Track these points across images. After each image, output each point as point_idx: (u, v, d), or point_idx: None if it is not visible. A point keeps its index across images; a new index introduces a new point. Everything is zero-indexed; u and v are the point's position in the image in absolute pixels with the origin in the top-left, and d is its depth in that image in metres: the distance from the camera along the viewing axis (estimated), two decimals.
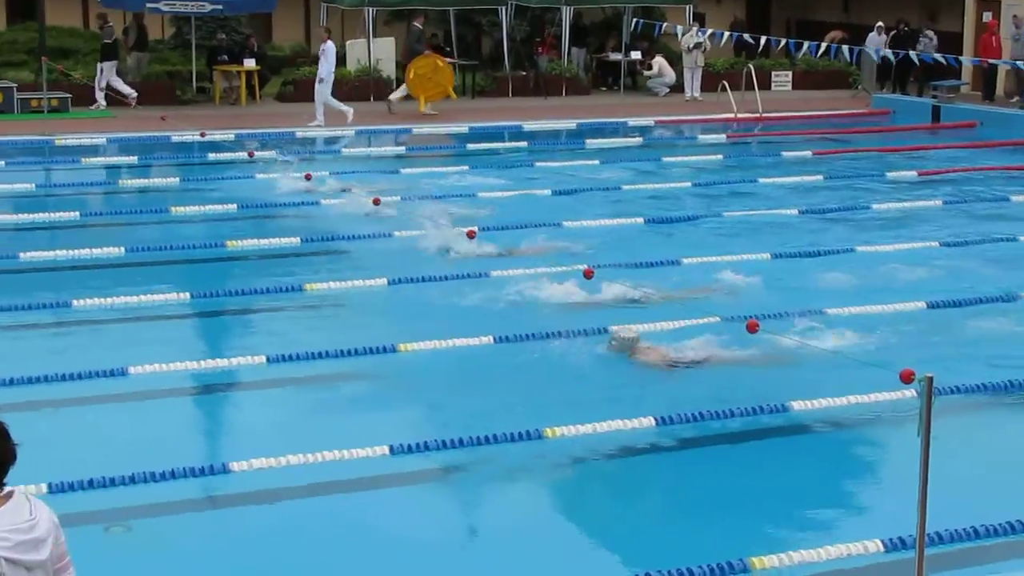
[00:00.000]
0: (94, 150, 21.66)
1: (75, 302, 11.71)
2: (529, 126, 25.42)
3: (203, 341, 10.89)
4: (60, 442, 8.45)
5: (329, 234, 14.81)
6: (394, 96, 27.20)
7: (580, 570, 6.94)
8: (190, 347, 10.50)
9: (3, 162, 20.01)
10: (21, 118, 24.65)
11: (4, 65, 27.50)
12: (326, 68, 24.75)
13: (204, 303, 11.87)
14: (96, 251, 13.88)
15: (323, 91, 24.76)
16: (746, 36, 29.35)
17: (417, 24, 27.91)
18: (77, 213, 15.99)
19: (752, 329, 7.83)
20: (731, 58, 32.31)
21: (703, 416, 8.96)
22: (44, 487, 7.49)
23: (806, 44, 27.28)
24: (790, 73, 32.36)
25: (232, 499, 7.73)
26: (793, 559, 6.86)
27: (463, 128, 24.87)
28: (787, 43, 28.18)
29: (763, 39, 28.33)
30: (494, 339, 10.69)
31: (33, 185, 18.09)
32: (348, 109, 24.74)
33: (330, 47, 24.91)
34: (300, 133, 23.85)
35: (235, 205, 16.63)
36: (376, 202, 15.16)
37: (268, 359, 10.05)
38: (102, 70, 26.21)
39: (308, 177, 17.62)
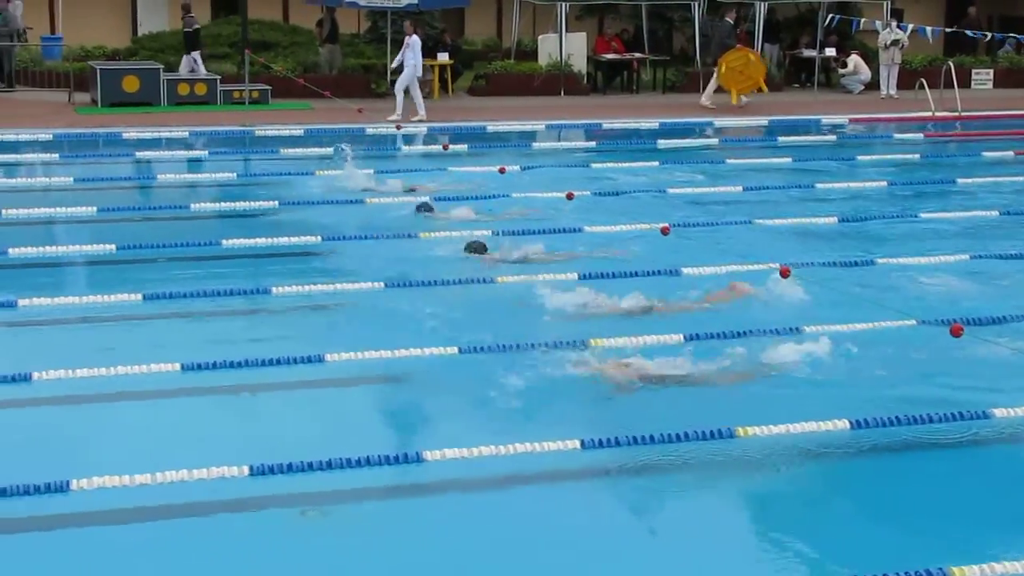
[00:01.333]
0: (292, 141, 22.17)
1: (274, 289, 11.97)
2: (720, 122, 25.14)
3: (396, 330, 10.98)
4: (258, 425, 8.65)
5: (524, 228, 14.83)
6: (707, 91, 27.09)
7: None
8: (383, 336, 10.58)
9: (207, 151, 20.65)
10: (223, 109, 25.40)
11: (209, 58, 28.36)
12: (411, 61, 24.51)
13: (394, 293, 11.99)
14: (293, 239, 14.17)
15: (404, 81, 24.45)
16: (955, 31, 28.46)
17: (728, 19, 27.81)
18: (275, 202, 16.36)
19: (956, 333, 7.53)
20: (930, 55, 31.40)
21: (899, 421, 8.70)
22: (246, 469, 7.68)
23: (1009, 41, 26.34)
24: (991, 71, 31.30)
25: (424, 488, 7.79)
26: (995, 570, 6.61)
27: (653, 124, 24.73)
28: (992, 38, 27.21)
29: (970, 33, 27.45)
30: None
31: (234, 174, 18.61)
32: (422, 111, 24.41)
33: (415, 41, 24.69)
34: (491, 127, 24.01)
35: (427, 198, 16.80)
36: (570, 196, 15.12)
37: (459, 350, 10.12)
38: (190, 59, 26.84)
39: (502, 171, 17.71)
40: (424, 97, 28.08)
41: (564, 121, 24.93)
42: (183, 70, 26.96)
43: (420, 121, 24.09)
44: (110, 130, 22.46)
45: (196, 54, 27.23)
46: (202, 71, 26.91)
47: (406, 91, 24.38)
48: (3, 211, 15.49)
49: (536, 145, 22.57)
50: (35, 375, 9.35)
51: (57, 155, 20.16)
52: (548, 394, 9.19)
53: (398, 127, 23.06)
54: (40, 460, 7.95)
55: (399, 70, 24.78)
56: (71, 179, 17.75)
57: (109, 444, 8.30)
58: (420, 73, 24.77)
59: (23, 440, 8.41)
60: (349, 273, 12.72)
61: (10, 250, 13.42)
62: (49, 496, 7.37)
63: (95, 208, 15.86)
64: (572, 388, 9.34)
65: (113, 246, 13.74)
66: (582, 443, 8.21)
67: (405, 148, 21.62)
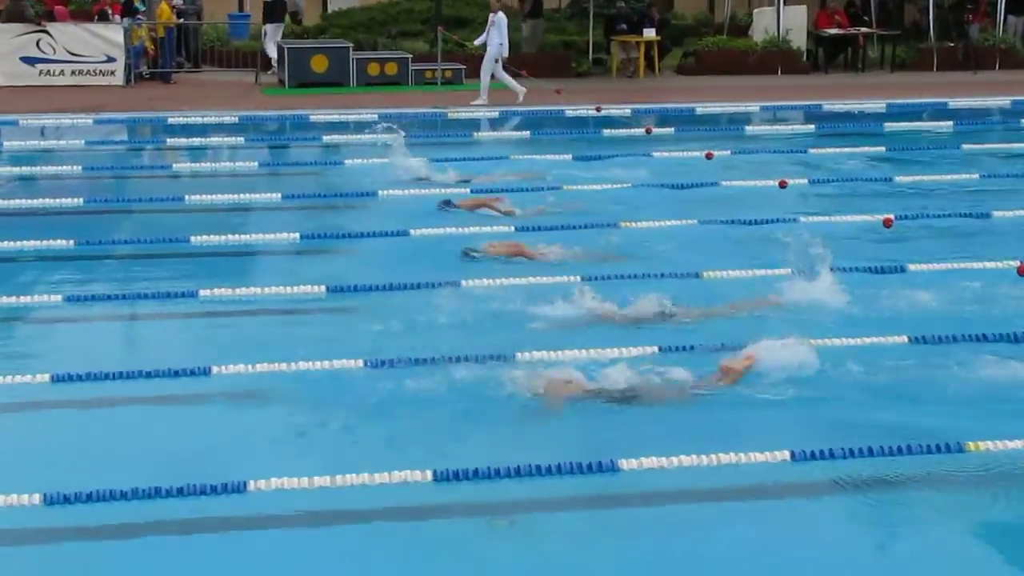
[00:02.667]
0: (485, 124, 22.39)
1: (463, 283, 12.08)
2: (956, 103, 24.43)
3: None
4: (445, 430, 8.73)
5: (738, 217, 14.65)
6: None
7: None
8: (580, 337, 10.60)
9: (401, 134, 21.01)
10: (415, 89, 25.82)
11: (401, 35, 28.84)
12: (496, 41, 24.26)
13: (597, 284, 11.98)
14: (485, 229, 14.30)
15: (489, 66, 24.22)
16: None
17: None
18: (466, 189, 16.53)
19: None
20: None
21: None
22: (429, 474, 7.78)
23: None
24: None
25: (619, 499, 7.78)
26: None
27: (880, 105, 24.18)
28: None
29: None
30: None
31: (425, 159, 18.85)
32: (520, 88, 24.13)
33: (501, 18, 24.40)
34: (700, 109, 23.83)
35: (629, 183, 16.78)
36: (783, 185, 14.92)
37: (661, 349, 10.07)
38: (266, 32, 27.19)
39: (709, 156, 17.56)
40: (628, 76, 28.04)
41: (780, 103, 24.56)
42: (267, 43, 27.62)
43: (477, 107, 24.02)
44: (297, 112, 23.03)
45: (271, 27, 27.75)
46: (270, 48, 27.41)
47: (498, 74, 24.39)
48: (187, 197, 16.02)
49: (749, 129, 22.31)
50: (215, 369, 9.63)
51: (242, 139, 20.76)
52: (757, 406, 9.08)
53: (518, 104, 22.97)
54: (218, 458, 8.20)
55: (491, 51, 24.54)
56: (256, 164, 18.26)
57: (284, 444, 8.50)
58: (505, 54, 24.56)
59: (200, 437, 8.67)
60: (543, 264, 12.76)
61: (192, 238, 13.86)
62: (226, 496, 7.58)
63: (279, 195, 16.27)
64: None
65: (296, 235, 14.08)
66: (792, 455, 8.09)
67: (606, 132, 21.62)
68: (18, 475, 7.84)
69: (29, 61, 26.16)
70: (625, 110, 23.35)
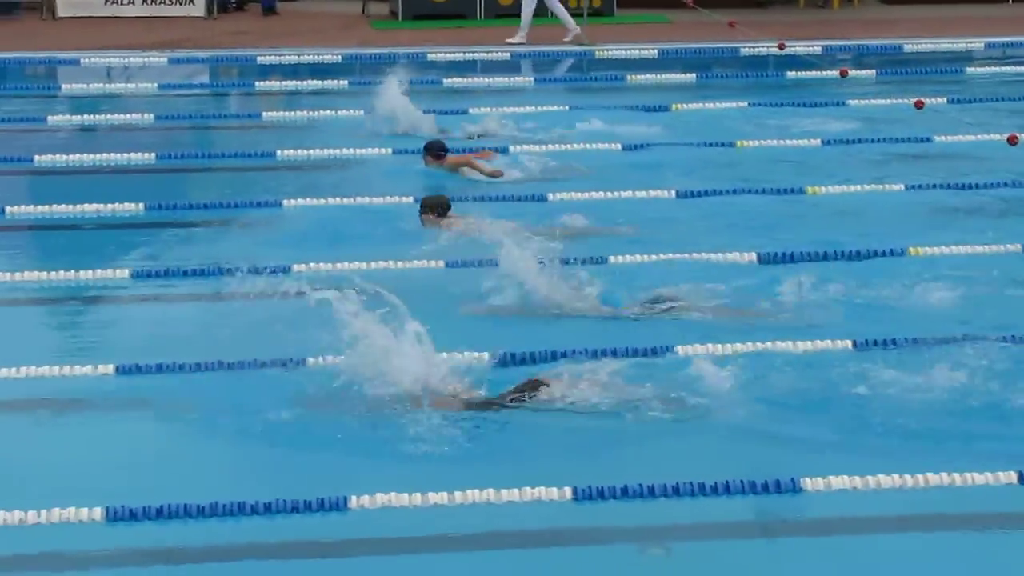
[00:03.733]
0: (641, 65, 22.29)
1: (612, 258, 12.09)
2: None
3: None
4: (588, 441, 8.77)
5: (955, 181, 14.47)
6: None
7: None
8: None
9: (531, 78, 21.02)
10: (555, 22, 25.79)
11: None
12: None
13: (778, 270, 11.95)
14: (642, 194, 14.29)
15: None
16: None
17: None
18: (618, 145, 16.51)
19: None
20: None
21: None
22: (568, 492, 7.81)
23: None
24: None
25: (805, 525, 7.76)
26: None
27: None
28: None
29: None
30: None
31: (567, 106, 18.85)
32: (574, 27, 23.86)
33: None
34: (909, 46, 23.49)
35: (818, 140, 16.62)
36: (1012, 140, 14.65)
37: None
38: None
39: (919, 105, 17.32)
40: (820, 5, 27.73)
41: (1012, 38, 24.10)
42: None
43: (578, 41, 23.73)
44: (412, 50, 23.16)
45: None
46: None
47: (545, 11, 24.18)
48: (278, 152, 16.21)
49: (969, 70, 21.94)
50: (310, 361, 9.78)
51: (346, 81, 20.93)
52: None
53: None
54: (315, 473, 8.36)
55: None
56: (361, 112, 18.40)
57: (390, 456, 8.62)
58: None
59: (289, 450, 8.82)
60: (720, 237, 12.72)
61: (285, 200, 14.05)
62: (322, 515, 7.70)
63: (390, 149, 16.39)
64: None
65: (409, 199, 14.21)
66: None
67: (790, 74, 21.40)
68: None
69: None
70: (815, 47, 23.09)
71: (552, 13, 23.85)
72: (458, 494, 7.82)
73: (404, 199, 14.12)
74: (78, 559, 7.51)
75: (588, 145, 16.48)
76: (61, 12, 26.32)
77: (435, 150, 15.35)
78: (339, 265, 11.97)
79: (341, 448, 8.70)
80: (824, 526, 7.83)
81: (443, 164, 15.35)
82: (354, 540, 7.66)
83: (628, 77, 21.24)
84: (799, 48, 22.89)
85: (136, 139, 17.14)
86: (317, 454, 8.63)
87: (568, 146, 16.53)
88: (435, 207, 13.10)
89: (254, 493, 7.84)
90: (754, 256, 12.23)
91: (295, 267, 11.81)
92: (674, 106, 18.73)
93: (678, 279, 11.38)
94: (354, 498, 7.79)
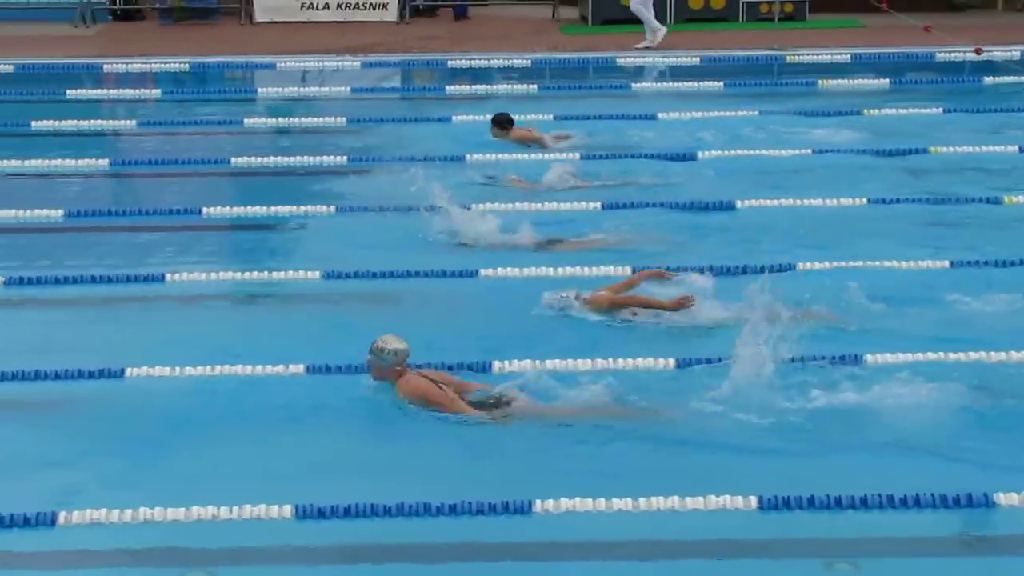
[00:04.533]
0: (834, 69, 22.02)
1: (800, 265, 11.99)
2: None
3: None
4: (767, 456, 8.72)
5: None
6: None
7: None
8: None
9: (720, 83, 20.85)
10: (747, 27, 25.61)
11: None
12: None
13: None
14: (832, 201, 14.14)
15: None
16: None
17: None
18: (808, 149, 16.35)
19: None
20: None
21: None
22: (753, 500, 7.75)
23: None
24: None
25: (997, 541, 7.62)
26: None
27: None
28: None
29: None
30: None
31: (756, 111, 18.66)
32: (660, 28, 23.33)
33: None
34: None
35: (1015, 147, 16.30)
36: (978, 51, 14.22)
37: None
38: None
39: (978, 52, 16.87)
40: (1019, 9, 27.16)
41: None
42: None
43: (646, 48, 23.40)
44: (600, 55, 23.16)
45: None
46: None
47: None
48: (467, 156, 16.30)
49: None
50: (496, 365, 9.85)
51: (535, 86, 21.00)
52: None
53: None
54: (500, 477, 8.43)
55: None
56: (551, 116, 18.44)
57: (575, 461, 8.63)
58: None
59: (477, 452, 8.85)
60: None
61: (472, 204, 14.12)
62: (507, 518, 7.74)
63: (577, 155, 16.39)
64: None
65: (598, 203, 14.19)
66: None
67: (988, 80, 20.99)
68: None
69: None
70: (1014, 52, 22.61)
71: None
72: (642, 500, 7.80)
73: None
74: (268, 554, 7.64)
75: (779, 151, 16.32)
76: (258, 17, 26.78)
77: (502, 123, 16.75)
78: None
79: (525, 452, 8.74)
80: (1017, 543, 7.66)
81: (509, 136, 16.69)
82: (538, 543, 7.68)
83: (820, 82, 21.01)
84: (997, 53, 22.43)
85: (328, 142, 17.36)
86: (504, 458, 8.69)
87: (758, 151, 16.39)
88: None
89: (438, 494, 7.92)
90: (947, 263, 12.07)
91: (482, 271, 11.90)
92: (866, 111, 18.49)
93: (873, 286, 11.26)
94: (539, 502, 7.81)
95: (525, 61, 22.78)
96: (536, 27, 26.33)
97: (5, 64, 22.10)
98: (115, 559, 7.66)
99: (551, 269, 12.16)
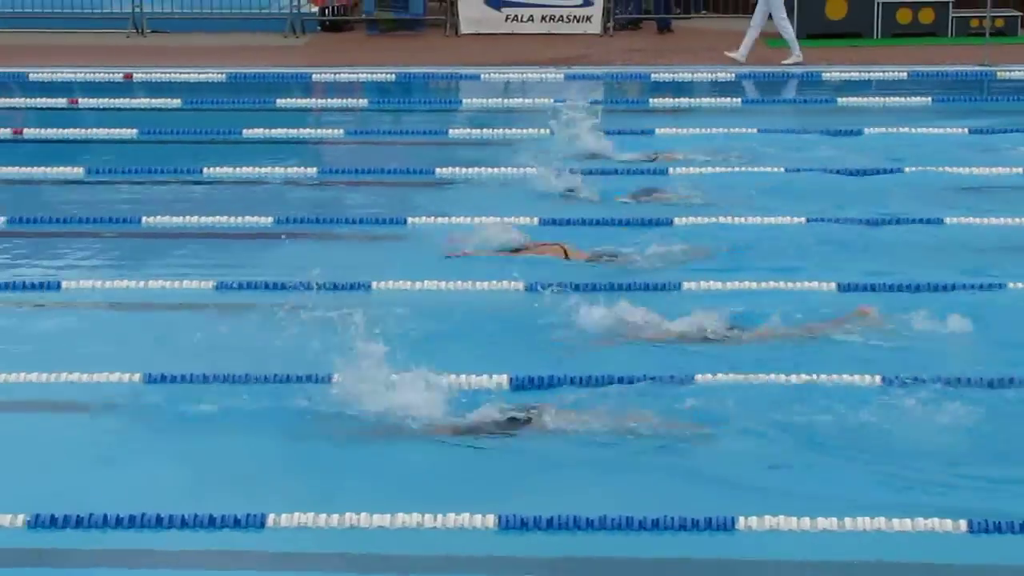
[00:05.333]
0: None
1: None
2: None
3: None
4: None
5: None
6: None
7: None
8: None
9: (928, 99, 20.55)
10: (955, 42, 25.19)
11: None
12: None
13: None
14: None
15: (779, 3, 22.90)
16: None
17: None
18: (1020, 168, 16.04)
19: None
20: None
21: None
22: (963, 524, 7.62)
23: None
24: None
25: None
26: None
27: None
28: None
29: None
30: None
31: (966, 129, 18.35)
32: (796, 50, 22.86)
33: None
34: None
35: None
36: None
37: None
38: None
39: None
40: None
41: None
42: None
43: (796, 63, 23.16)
44: (806, 69, 22.96)
45: None
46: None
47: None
48: (671, 170, 16.26)
49: None
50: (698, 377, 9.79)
51: (738, 99, 20.90)
52: None
53: None
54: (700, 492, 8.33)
55: None
56: (755, 130, 18.34)
57: (774, 478, 8.57)
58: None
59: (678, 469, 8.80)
60: None
61: (676, 219, 14.07)
62: (710, 534, 7.70)
63: (782, 167, 16.29)
64: None
65: (802, 218, 14.08)
66: None
67: None
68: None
69: (495, 4, 27.20)
70: None
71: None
72: (848, 520, 7.69)
73: None
74: (470, 564, 7.69)
75: (989, 169, 16.03)
76: (464, 29, 27.04)
77: None
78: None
79: (727, 468, 8.69)
80: None
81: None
82: (741, 561, 7.63)
83: None
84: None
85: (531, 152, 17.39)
86: (700, 475, 8.65)
87: (967, 169, 16.11)
88: None
89: (642, 508, 7.90)
90: None
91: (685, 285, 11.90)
92: None
93: None
94: (742, 519, 7.75)
95: (729, 75, 22.66)
96: (740, 40, 26.14)
97: (218, 73, 22.60)
98: (319, 563, 7.76)
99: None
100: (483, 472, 8.75)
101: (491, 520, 7.85)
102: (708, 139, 17.97)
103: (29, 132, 19.09)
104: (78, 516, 7.90)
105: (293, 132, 18.86)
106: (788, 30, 23.38)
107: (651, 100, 21.32)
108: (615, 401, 9.42)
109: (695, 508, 7.91)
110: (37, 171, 16.68)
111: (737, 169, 16.34)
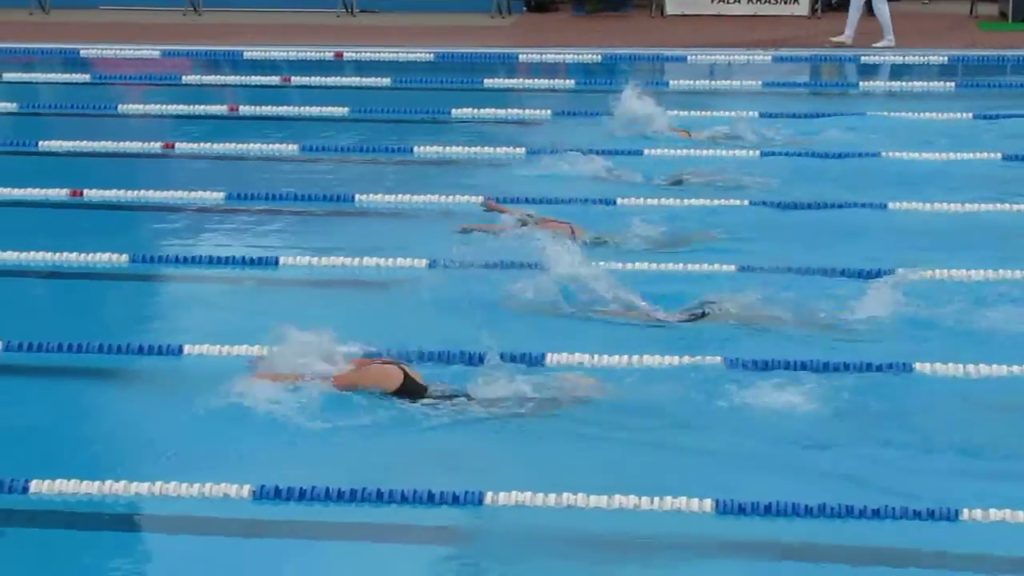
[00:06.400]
0: None
1: None
2: None
3: None
4: None
5: None
6: None
7: None
8: None
9: None
10: None
11: None
12: None
13: None
14: None
15: None
16: None
17: None
18: None
19: None
20: None
21: None
22: None
23: None
24: None
25: None
26: None
27: None
28: None
29: None
30: None
31: None
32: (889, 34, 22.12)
33: None
34: None
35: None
36: None
37: None
38: None
39: None
40: None
41: None
42: None
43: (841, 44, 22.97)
44: (1020, 53, 22.48)
45: None
46: None
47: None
48: (882, 151, 16.03)
49: None
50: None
51: (951, 84, 20.55)
52: None
53: None
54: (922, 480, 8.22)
55: None
56: (971, 115, 18.04)
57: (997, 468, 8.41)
58: None
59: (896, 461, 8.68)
60: None
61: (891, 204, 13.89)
62: (932, 523, 7.58)
63: (1000, 154, 15.98)
64: None
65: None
66: None
67: None
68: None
69: None
70: None
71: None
72: None
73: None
74: (687, 545, 7.66)
75: None
76: (669, 10, 26.91)
77: None
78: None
79: (946, 456, 8.56)
80: None
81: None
82: (962, 555, 7.50)
83: None
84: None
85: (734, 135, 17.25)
86: (923, 463, 8.53)
87: None
88: None
89: (862, 498, 7.82)
90: None
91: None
92: None
93: None
94: (966, 511, 7.62)
95: (941, 58, 22.28)
96: (953, 23, 25.71)
97: (427, 52, 22.76)
98: (531, 544, 7.82)
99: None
100: (700, 457, 8.73)
101: (708, 504, 7.84)
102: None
103: (244, 109, 19.36)
104: (301, 488, 8.03)
105: (501, 112, 18.88)
106: (884, 12, 23.12)
107: (861, 83, 21.13)
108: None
109: (914, 498, 7.82)
110: (252, 147, 16.90)
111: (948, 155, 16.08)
